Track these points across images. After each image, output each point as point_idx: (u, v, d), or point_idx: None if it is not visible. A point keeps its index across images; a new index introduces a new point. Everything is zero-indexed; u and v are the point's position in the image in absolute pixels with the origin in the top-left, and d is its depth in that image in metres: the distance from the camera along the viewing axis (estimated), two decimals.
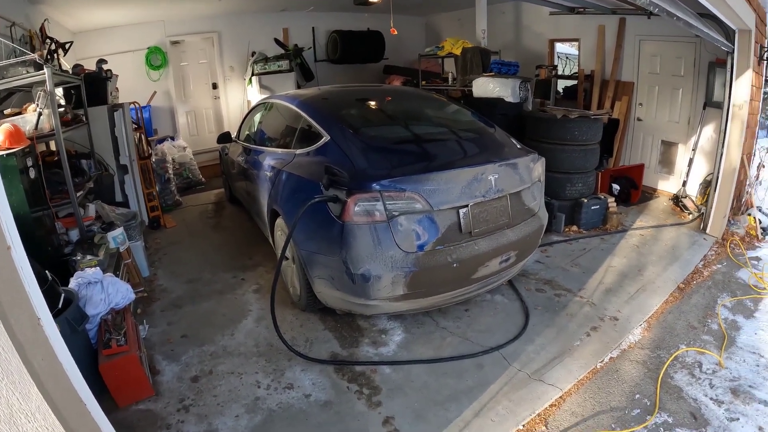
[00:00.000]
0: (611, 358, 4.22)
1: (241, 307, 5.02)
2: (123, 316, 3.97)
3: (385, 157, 4.16)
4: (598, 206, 6.84)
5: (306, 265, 4.33)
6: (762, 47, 7.11)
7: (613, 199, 7.10)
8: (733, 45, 6.50)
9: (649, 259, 6.13)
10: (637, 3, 4.92)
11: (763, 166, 7.93)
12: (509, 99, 7.49)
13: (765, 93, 21.04)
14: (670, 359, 4.21)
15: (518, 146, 4.90)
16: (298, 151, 4.75)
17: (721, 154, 6.82)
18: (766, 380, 4.08)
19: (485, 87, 7.75)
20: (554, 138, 6.67)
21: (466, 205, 4.04)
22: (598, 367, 4.08)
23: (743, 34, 6.49)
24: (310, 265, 4.27)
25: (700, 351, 4.37)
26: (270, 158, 5.25)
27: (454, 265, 3.99)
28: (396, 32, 8.57)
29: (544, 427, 3.43)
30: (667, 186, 8.76)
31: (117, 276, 4.49)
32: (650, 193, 8.83)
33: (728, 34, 6.51)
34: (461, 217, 4.02)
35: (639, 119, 9.04)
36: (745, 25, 6.37)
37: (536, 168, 4.77)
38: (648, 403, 3.69)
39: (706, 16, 6.19)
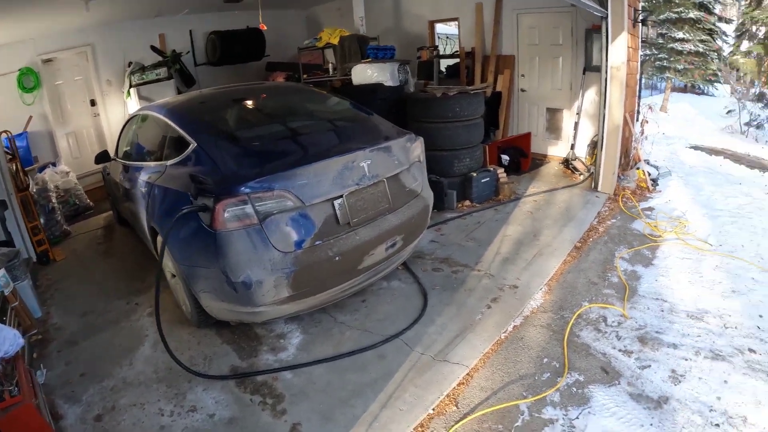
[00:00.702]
0: (515, 326, 4.20)
1: (138, 333, 4.71)
2: (14, 365, 3.66)
3: (253, 158, 3.97)
4: (488, 178, 6.85)
5: (188, 280, 4.08)
6: (636, 10, 7.33)
7: (502, 169, 7.15)
8: (607, 10, 6.65)
9: (544, 224, 6.18)
10: None
11: (647, 122, 8.19)
12: (389, 83, 7.44)
13: (645, 55, 21.81)
14: (574, 318, 4.24)
15: (393, 129, 4.78)
16: (169, 163, 4.48)
17: (604, 115, 7.00)
18: (673, 324, 4.19)
19: (364, 74, 7.67)
20: (436, 117, 6.63)
21: (341, 196, 3.89)
22: (503, 337, 4.05)
23: None
24: (192, 279, 4.03)
25: (603, 306, 4.44)
26: (145, 173, 4.96)
27: (336, 258, 3.84)
28: (265, 27, 8.32)
29: (454, 407, 3.36)
30: (557, 151, 8.94)
31: (3, 322, 4.16)
32: (541, 160, 9.00)
33: (601, 0, 6.65)
34: (337, 208, 3.87)
35: (523, 90, 9.18)
36: None
37: (414, 148, 4.67)
38: (557, 365, 3.68)
39: None
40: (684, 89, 30.19)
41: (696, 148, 10.90)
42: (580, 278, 4.92)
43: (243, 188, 3.56)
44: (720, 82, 25.06)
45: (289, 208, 3.68)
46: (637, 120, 8.13)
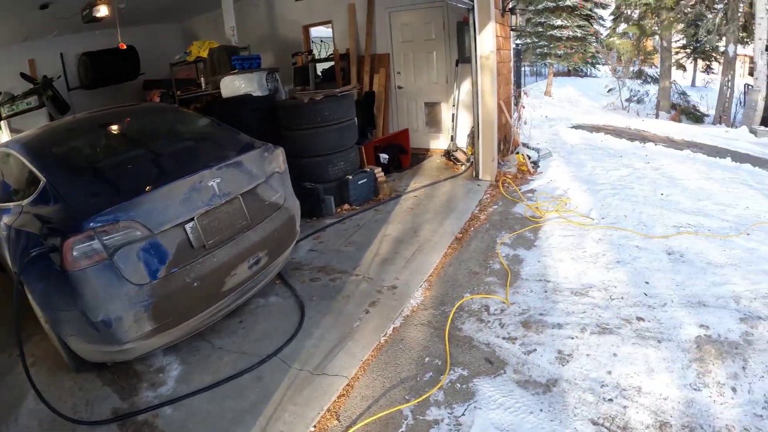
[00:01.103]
0: (394, 328, 4.06)
1: (21, 386, 4.32)
2: None
3: (100, 189, 3.70)
4: (365, 180, 6.76)
5: (54, 325, 3.79)
6: (504, 0, 7.45)
7: (380, 169, 7.05)
8: (473, 2, 6.72)
9: (425, 219, 6.12)
10: None
11: (524, 107, 8.36)
12: (258, 93, 7.22)
13: (526, 43, 22.41)
14: (453, 311, 4.15)
15: (246, 142, 4.58)
16: (24, 203, 4.16)
17: (478, 104, 7.03)
18: (557, 303, 4.18)
19: (232, 86, 7.44)
20: (307, 123, 6.46)
21: (191, 219, 3.66)
22: (382, 341, 3.90)
23: None
24: (57, 323, 3.72)
25: (484, 296, 4.37)
26: (5, 215, 4.66)
27: (195, 284, 3.62)
28: (125, 46, 8.00)
29: (336, 421, 3.18)
30: (439, 144, 8.98)
31: None
32: (423, 154, 9.01)
33: None
34: (189, 232, 3.64)
35: (400, 87, 9.19)
36: None
37: (272, 159, 4.48)
38: (439, 363, 3.58)
39: None
40: (568, 73, 31.38)
41: (578, 127, 11.24)
42: (462, 270, 4.86)
43: (88, 224, 3.29)
44: (602, 64, 26.25)
45: (138, 238, 3.42)
46: (515, 106, 8.29)
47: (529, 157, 7.62)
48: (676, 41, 25.99)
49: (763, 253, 5.49)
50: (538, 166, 7.61)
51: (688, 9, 20.77)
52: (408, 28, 8.82)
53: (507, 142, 7.71)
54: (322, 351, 3.89)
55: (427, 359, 3.66)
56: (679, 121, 20.05)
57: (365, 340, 3.94)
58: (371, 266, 5.11)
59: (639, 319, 3.93)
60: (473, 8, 6.74)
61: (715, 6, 19.12)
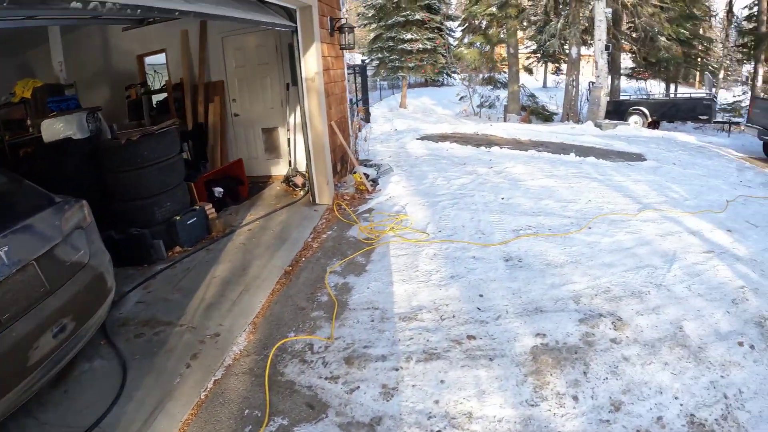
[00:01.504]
0: (215, 381, 3.84)
1: None
2: None
3: None
4: (195, 218, 6.42)
5: None
6: (333, 19, 7.41)
7: (210, 205, 6.77)
8: (296, 23, 6.65)
9: (256, 254, 5.92)
10: (163, 5, 4.54)
11: (360, 126, 8.39)
12: (78, 135, 6.76)
13: (380, 58, 22.76)
14: (272, 354, 4.00)
15: (42, 198, 4.13)
16: None
17: (307, 127, 6.97)
18: (383, 332, 4.12)
19: (52, 129, 6.86)
20: (128, 164, 6.06)
21: None
22: (203, 397, 3.68)
23: (304, 10, 6.72)
24: None
25: (307, 336, 4.23)
26: None
27: None
28: None
29: None
30: (279, 170, 8.86)
31: None
32: (264, 182, 8.84)
33: (291, 14, 6.62)
34: None
35: (236, 115, 8.99)
36: (304, 2, 6.58)
37: (72, 215, 4.12)
38: (259, 414, 3.40)
39: (267, 3, 6.20)
40: (425, 83, 32.32)
41: (425, 138, 11.44)
42: (288, 307, 4.71)
43: None
44: (457, 72, 27.19)
45: None
46: (357, 123, 8.31)
47: (368, 176, 7.65)
48: (527, 47, 27.29)
49: (603, 246, 5.76)
50: (378, 184, 7.64)
51: (534, 17, 21.87)
52: (241, 52, 8.66)
53: (344, 163, 7.70)
54: (142, 415, 3.62)
55: (246, 411, 3.49)
56: (529, 121, 21.13)
57: (185, 398, 3.70)
58: (196, 313, 4.83)
59: (470, 337, 3.96)
60: (296, 30, 6.68)
61: (561, 12, 20.13)
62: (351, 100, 11.42)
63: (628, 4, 18.58)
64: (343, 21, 7.89)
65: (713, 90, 20.95)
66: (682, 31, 21.67)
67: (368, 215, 6.68)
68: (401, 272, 5.11)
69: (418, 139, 11.26)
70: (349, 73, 13.27)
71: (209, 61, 8.92)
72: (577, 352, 3.81)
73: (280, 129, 8.65)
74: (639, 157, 11.40)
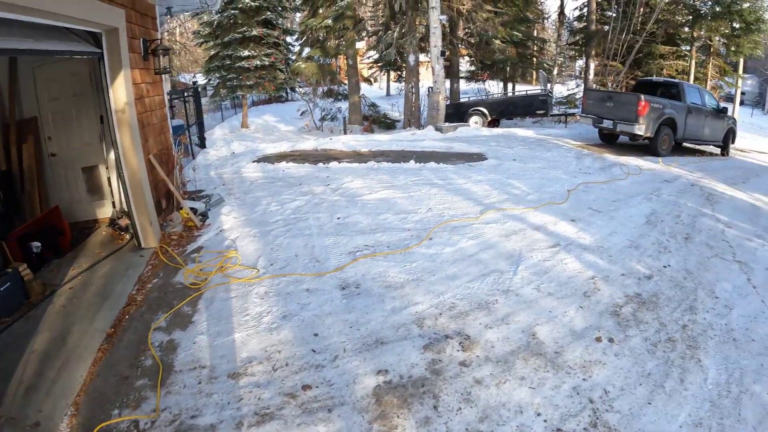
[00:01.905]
0: None
1: None
2: None
3: None
4: (8, 284, 5.27)
5: None
6: (147, 41, 6.79)
7: (24, 265, 5.68)
8: (102, 49, 5.93)
9: (77, 317, 5.05)
10: None
11: (182, 156, 7.82)
12: None
13: (218, 77, 22.11)
14: None
15: None
16: None
17: (122, 164, 6.28)
18: (211, 396, 3.63)
19: None
20: None
21: None
22: None
23: (111, 34, 5.98)
24: None
25: (130, 417, 3.56)
26: None
27: None
28: None
29: None
30: (105, 212, 7.98)
31: None
32: (90, 228, 7.82)
33: (97, 39, 5.91)
34: None
35: (53, 155, 7.94)
36: (110, 25, 5.86)
37: None
38: None
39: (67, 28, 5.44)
40: (269, 100, 31.93)
41: (263, 159, 10.99)
42: (111, 378, 4.03)
43: None
44: (301, 87, 26.86)
45: None
46: (178, 153, 7.73)
47: (196, 210, 7.04)
48: (369, 57, 27.50)
49: (446, 257, 5.58)
50: (207, 218, 7.09)
51: (373, 27, 22.04)
52: (56, 83, 7.71)
53: (170, 199, 7.08)
54: None
55: None
56: (372, 131, 21.31)
57: None
58: (15, 400, 3.98)
59: (305, 387, 3.59)
60: (102, 56, 5.98)
61: (399, 21, 20.31)
62: (182, 126, 10.78)
63: (464, 10, 19.08)
64: (158, 43, 7.28)
65: (548, 86, 22.07)
66: (516, 33, 22.78)
67: (197, 255, 6.10)
68: (229, 319, 4.63)
69: (255, 161, 10.75)
70: (179, 98, 12.60)
71: (21, 95, 7.80)
72: (425, 385, 3.57)
73: (101, 167, 7.81)
74: (480, 157, 11.61)
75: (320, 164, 9.84)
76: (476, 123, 19.57)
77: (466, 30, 20.91)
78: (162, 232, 6.51)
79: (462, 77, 28.24)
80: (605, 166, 11.88)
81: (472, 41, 22.91)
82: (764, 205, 10.22)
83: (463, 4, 19.10)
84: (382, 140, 13.42)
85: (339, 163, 10.04)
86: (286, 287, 5.09)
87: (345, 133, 20.04)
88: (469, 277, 5.26)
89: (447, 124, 16.81)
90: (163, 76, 7.55)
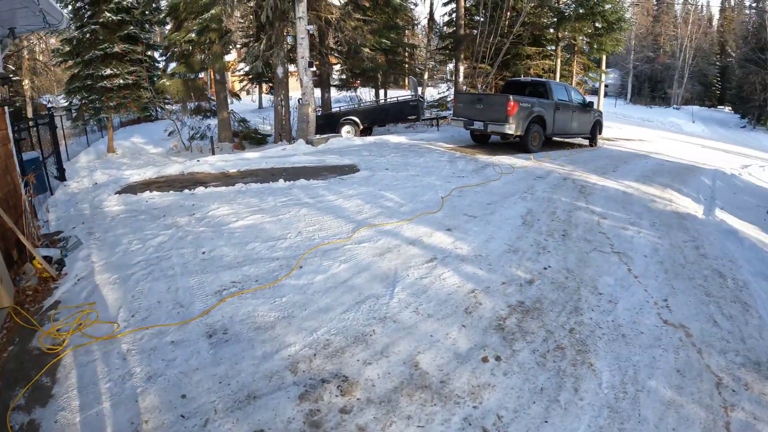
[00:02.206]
0: None
1: None
2: None
3: None
4: None
5: None
6: None
7: None
8: None
9: None
10: None
11: (31, 197, 7.10)
12: None
13: (80, 99, 20.81)
14: None
15: None
16: None
17: None
18: None
19: None
20: None
21: None
22: None
23: None
24: None
25: None
26: None
27: None
28: None
29: None
30: None
31: None
32: None
33: None
34: None
35: None
36: None
37: None
38: None
39: None
40: (138, 120, 30.52)
41: (126, 190, 10.04)
42: None
43: None
44: (171, 104, 25.70)
45: None
46: (28, 193, 7.00)
47: (51, 258, 6.30)
48: (240, 69, 26.82)
49: (317, 286, 5.28)
50: (64, 265, 6.29)
51: (242, 39, 21.41)
52: None
53: (21, 249, 6.31)
54: None
55: None
56: (243, 148, 20.74)
57: None
58: None
59: None
60: None
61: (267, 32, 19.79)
62: (37, 158, 9.89)
63: (332, 19, 18.85)
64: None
65: (419, 91, 22.23)
66: (385, 41, 22.75)
67: (54, 312, 5.28)
68: (91, 388, 3.98)
69: (118, 192, 9.76)
70: (32, 126, 11.64)
71: None
72: None
73: None
74: (352, 169, 11.42)
75: (186, 191, 9.21)
76: (348, 132, 19.40)
77: (336, 39, 20.73)
78: (15, 287, 5.66)
79: (334, 86, 28.16)
80: (478, 168, 12.00)
81: (343, 50, 22.87)
82: (635, 191, 10.63)
83: (332, 14, 18.91)
84: (251, 158, 12.91)
85: (206, 188, 9.44)
86: (149, 341, 4.52)
87: (213, 153, 19.17)
88: (344, 307, 4.97)
89: (318, 136, 16.48)
90: (4, 108, 6.82)
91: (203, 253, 6.31)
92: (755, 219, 9.82)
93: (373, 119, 20.94)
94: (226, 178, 10.58)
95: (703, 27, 63.72)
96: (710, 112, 57.09)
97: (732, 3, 70.78)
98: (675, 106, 58.29)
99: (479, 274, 5.79)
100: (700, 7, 65.70)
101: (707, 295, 5.72)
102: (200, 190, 9.25)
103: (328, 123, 20.07)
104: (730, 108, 58.01)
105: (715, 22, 71.02)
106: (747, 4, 65.32)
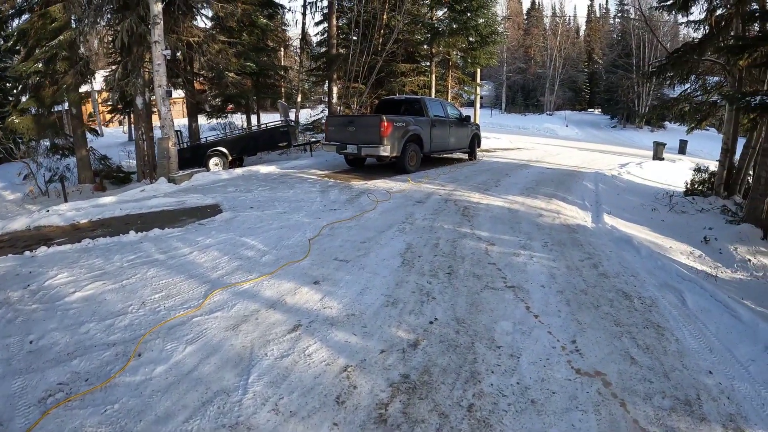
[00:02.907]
0: None
1: None
2: None
3: None
4: None
5: None
6: None
7: None
8: None
9: None
10: None
11: None
12: None
13: None
14: None
15: None
16: None
17: None
18: None
19: None
20: None
21: None
22: None
23: None
24: None
25: None
26: None
27: None
28: None
29: None
30: None
31: None
32: None
33: None
34: None
35: None
36: None
37: None
38: None
39: None
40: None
41: None
42: None
43: None
44: (22, 144, 23.27)
45: None
46: None
47: None
48: (104, 102, 25.08)
49: (157, 383, 4.19)
50: None
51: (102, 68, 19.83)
52: None
53: None
54: None
55: None
56: (104, 188, 18.88)
57: None
58: None
59: None
60: None
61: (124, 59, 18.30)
62: None
63: (194, 42, 17.59)
64: None
65: (290, 115, 21.34)
66: (250, 64, 21.66)
67: None
68: None
69: None
70: None
71: None
72: None
73: None
74: (214, 210, 10.25)
75: (27, 252, 7.48)
76: (217, 165, 17.97)
77: (200, 64, 19.50)
78: None
79: (208, 113, 26.74)
80: (353, 197, 11.23)
81: (209, 75, 21.59)
82: (520, 206, 10.24)
83: (195, 36, 17.67)
84: (106, 204, 11.27)
85: (48, 247, 7.74)
86: None
87: (66, 199, 16.79)
88: (186, 413, 3.82)
89: (182, 172, 14.74)
90: None
91: (31, 342, 4.92)
92: (643, 219, 10.18)
93: (243, 149, 19.57)
94: (74, 232, 9.09)
95: (571, 37, 69.29)
96: (581, 116, 61.27)
97: (597, 15, 75.98)
98: (548, 112, 61.97)
99: (352, 342, 4.80)
100: (567, 19, 69.92)
101: (617, 325, 5.24)
102: (42, 250, 7.64)
103: (195, 156, 18.53)
104: (599, 110, 62.46)
105: (581, 33, 75.91)
106: (611, 14, 70.31)
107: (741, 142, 12.66)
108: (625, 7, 59.37)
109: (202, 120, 27.20)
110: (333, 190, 12.12)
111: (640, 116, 50.77)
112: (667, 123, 49.61)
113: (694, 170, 14.96)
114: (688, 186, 13.85)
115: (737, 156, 12.65)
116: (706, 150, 37.01)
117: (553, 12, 71.31)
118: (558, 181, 14.62)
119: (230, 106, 26.57)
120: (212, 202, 11.07)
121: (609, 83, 55.93)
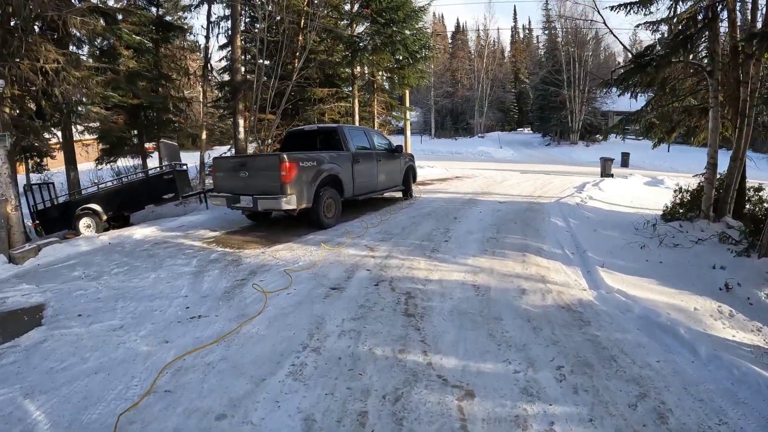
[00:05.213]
0: None
1: None
2: None
3: None
4: None
5: None
6: None
7: None
8: None
9: None
10: None
11: None
12: None
13: None
14: None
15: None
16: None
17: None
18: None
19: None
20: None
21: None
22: None
23: None
24: None
25: None
26: None
27: None
28: None
29: None
30: None
31: None
32: None
33: None
34: None
35: None
36: None
37: None
38: None
39: None
40: None
41: None
42: None
43: None
44: None
45: None
46: None
47: None
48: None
49: None
50: None
51: None
52: None
53: None
54: None
55: None
56: None
57: None
58: None
59: None
60: None
61: None
62: None
63: (48, 69, 13.22)
64: None
65: (173, 160, 16.61)
66: (112, 95, 17.34)
67: None
68: None
69: None
70: None
71: None
72: None
73: None
74: (31, 320, 6.12)
75: None
76: (89, 227, 12.93)
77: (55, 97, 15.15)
78: None
79: (96, 160, 22.18)
80: (236, 284, 7.09)
81: (53, 114, 17.06)
82: (488, 277, 6.94)
83: (55, 63, 13.43)
84: None
85: None
86: None
87: None
88: None
89: (27, 246, 9.83)
90: None
91: None
92: (640, 265, 8.26)
93: (121, 204, 14.35)
94: None
95: (497, 59, 68.80)
96: (513, 136, 61.72)
97: (521, 35, 77.27)
98: (480, 134, 61.68)
99: None
100: (492, 41, 69.67)
101: None
102: None
103: (64, 216, 13.78)
104: (530, 129, 62.98)
105: (506, 54, 76.69)
106: (535, 34, 71.36)
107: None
108: (552, 24, 58.77)
109: (87, 166, 22.80)
110: (212, 270, 7.84)
111: (574, 132, 50.86)
112: (598, 136, 49.63)
113: (675, 190, 12.80)
114: (668, 209, 12.08)
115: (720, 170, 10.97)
116: (647, 161, 36.89)
117: (478, 31, 70.32)
118: (521, 221, 11.38)
119: (114, 150, 21.89)
120: (39, 300, 6.74)
121: (541, 101, 55.39)
